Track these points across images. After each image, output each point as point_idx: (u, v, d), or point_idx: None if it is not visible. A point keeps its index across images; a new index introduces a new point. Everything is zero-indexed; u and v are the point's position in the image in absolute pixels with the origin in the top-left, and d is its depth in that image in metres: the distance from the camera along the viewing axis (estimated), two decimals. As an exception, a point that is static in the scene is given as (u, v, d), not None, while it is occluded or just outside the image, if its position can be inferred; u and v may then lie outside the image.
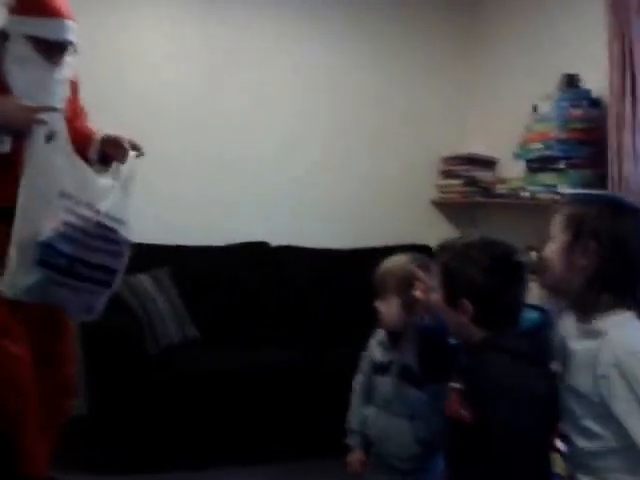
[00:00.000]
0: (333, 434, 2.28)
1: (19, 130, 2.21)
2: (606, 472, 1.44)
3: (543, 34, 3.71)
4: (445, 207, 4.38)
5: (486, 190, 4.05)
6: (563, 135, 3.19)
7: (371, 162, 4.24)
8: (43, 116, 2.20)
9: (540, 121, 3.36)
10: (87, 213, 2.24)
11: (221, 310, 3.63)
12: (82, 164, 2.29)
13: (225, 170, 3.98)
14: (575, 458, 1.52)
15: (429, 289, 1.71)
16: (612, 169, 3.02)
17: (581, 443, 1.47)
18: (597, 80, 3.13)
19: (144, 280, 3.32)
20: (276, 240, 3.96)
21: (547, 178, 3.33)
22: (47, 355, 2.44)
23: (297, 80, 4.13)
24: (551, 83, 3.32)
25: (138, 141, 2.43)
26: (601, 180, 3.12)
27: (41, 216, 2.21)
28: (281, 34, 4.07)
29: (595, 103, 3.19)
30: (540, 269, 1.61)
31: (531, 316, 1.65)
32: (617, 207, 1.52)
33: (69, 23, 2.28)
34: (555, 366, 1.58)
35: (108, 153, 2.40)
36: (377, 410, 2.10)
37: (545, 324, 1.65)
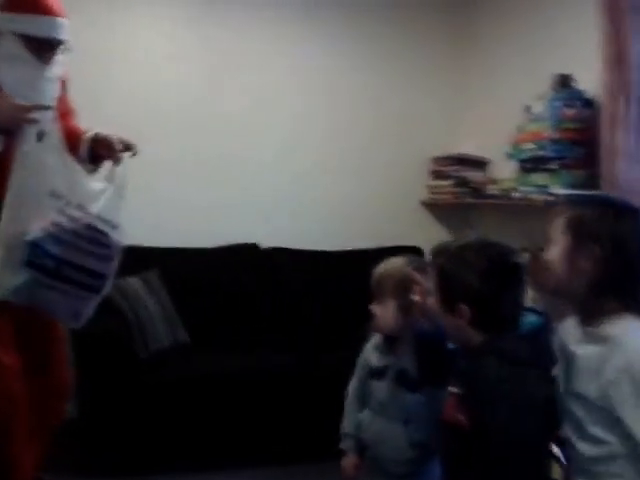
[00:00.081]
0: (327, 437, 2.25)
1: (10, 129, 2.17)
2: (608, 477, 1.42)
3: (536, 34, 3.69)
4: (436, 208, 4.36)
5: (477, 191, 4.03)
6: (556, 135, 3.17)
7: (362, 163, 4.22)
8: (35, 115, 2.16)
9: (533, 121, 3.35)
10: (78, 214, 2.19)
11: (212, 313, 3.60)
12: (74, 164, 2.24)
13: (217, 172, 3.96)
14: (576, 463, 1.50)
15: (426, 293, 1.68)
16: (605, 169, 3.00)
17: (583, 448, 1.45)
18: (590, 80, 3.12)
19: (134, 283, 3.29)
20: (266, 242, 3.94)
21: (539, 178, 3.32)
22: (39, 358, 2.39)
23: (292, 82, 4.11)
24: (544, 83, 3.30)
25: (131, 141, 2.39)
26: (593, 180, 3.10)
27: (30, 215, 2.17)
28: (278, 36, 4.06)
29: (588, 103, 3.18)
30: (534, 271, 1.59)
31: (530, 319, 1.62)
32: (617, 208, 1.51)
33: (61, 21, 2.23)
34: (555, 370, 1.56)
35: (98, 153, 2.36)
36: (372, 414, 2.08)
37: (545, 327, 1.62)
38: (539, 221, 3.43)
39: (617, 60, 2.88)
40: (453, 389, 1.62)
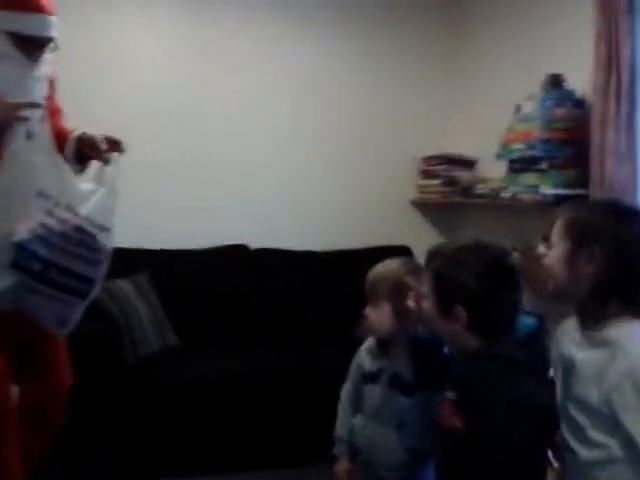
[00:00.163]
0: (320, 439, 2.24)
1: (0, 127, 2.11)
2: (607, 481, 1.41)
3: (528, 35, 3.68)
4: (425, 207, 4.35)
5: (466, 190, 4.02)
6: (546, 135, 3.16)
7: (352, 163, 4.21)
8: (25, 113, 2.11)
9: (523, 121, 3.34)
10: (67, 216, 2.12)
11: (202, 315, 3.58)
12: (64, 164, 2.18)
13: (206, 173, 3.93)
14: (575, 467, 1.49)
15: (421, 297, 1.66)
16: (595, 169, 3.00)
17: (582, 452, 1.44)
18: (581, 80, 3.11)
19: (124, 285, 3.25)
20: (256, 242, 3.91)
21: (529, 178, 3.31)
22: (33, 359, 2.31)
23: (283, 82, 4.09)
24: (535, 83, 3.29)
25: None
26: (583, 180, 3.10)
27: (17, 216, 2.10)
28: (270, 36, 4.04)
29: (579, 103, 3.17)
30: (527, 270, 1.57)
31: (527, 323, 1.60)
32: (618, 211, 1.50)
33: (51, 19, 2.18)
34: (552, 374, 1.55)
35: (85, 153, 2.31)
36: (365, 418, 2.06)
37: (541, 331, 1.61)
38: (529, 221, 3.49)
39: (609, 60, 2.87)
40: (449, 394, 1.60)
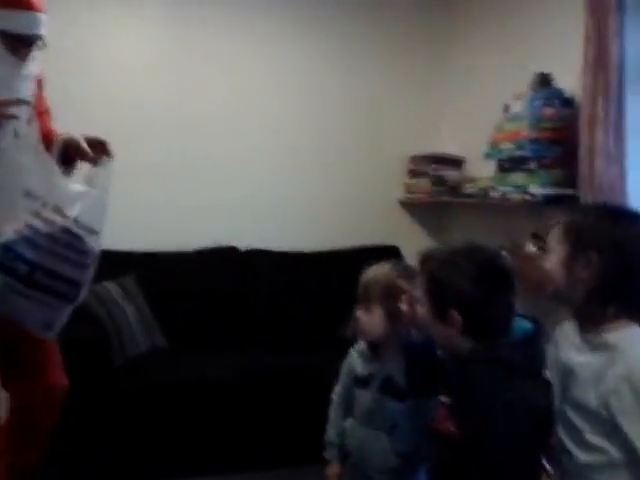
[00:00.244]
0: (311, 440, 2.22)
1: None
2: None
3: (516, 34, 3.68)
4: (413, 207, 4.34)
5: (454, 189, 4.01)
6: (534, 135, 3.15)
7: (340, 163, 4.19)
8: (14, 110, 2.06)
9: (511, 120, 3.33)
10: (54, 217, 2.07)
11: (191, 317, 3.55)
12: (53, 165, 2.12)
13: (193, 174, 3.90)
14: (573, 471, 1.48)
15: (415, 301, 1.64)
16: (583, 169, 2.99)
17: (581, 456, 1.44)
18: (570, 80, 3.11)
19: (111, 288, 3.22)
20: (245, 244, 3.88)
21: (518, 178, 3.30)
22: (20, 364, 2.26)
23: (270, 82, 4.06)
24: (523, 82, 3.28)
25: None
26: (572, 180, 3.09)
27: (3, 216, 2.06)
28: (257, 36, 4.01)
29: (567, 102, 3.16)
30: (519, 267, 1.56)
31: (523, 326, 1.59)
32: (615, 214, 1.49)
33: (40, 16, 2.13)
34: (549, 378, 1.54)
35: (71, 156, 2.26)
36: (356, 422, 2.04)
37: (538, 334, 1.59)
38: (517, 220, 3.48)
39: (598, 60, 2.87)
40: (444, 398, 1.58)
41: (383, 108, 4.25)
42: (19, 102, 2.09)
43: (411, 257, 3.80)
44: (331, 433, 2.11)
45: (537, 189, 3.14)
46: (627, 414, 1.35)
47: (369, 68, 4.23)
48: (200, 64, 3.93)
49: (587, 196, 2.93)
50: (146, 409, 3.01)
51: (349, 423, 2.06)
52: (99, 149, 2.23)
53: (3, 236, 2.04)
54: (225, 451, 3.12)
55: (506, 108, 3.38)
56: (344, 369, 2.12)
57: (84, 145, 2.21)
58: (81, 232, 2.10)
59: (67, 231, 2.09)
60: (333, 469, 2.10)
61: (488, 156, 3.52)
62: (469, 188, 3.81)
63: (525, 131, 3.19)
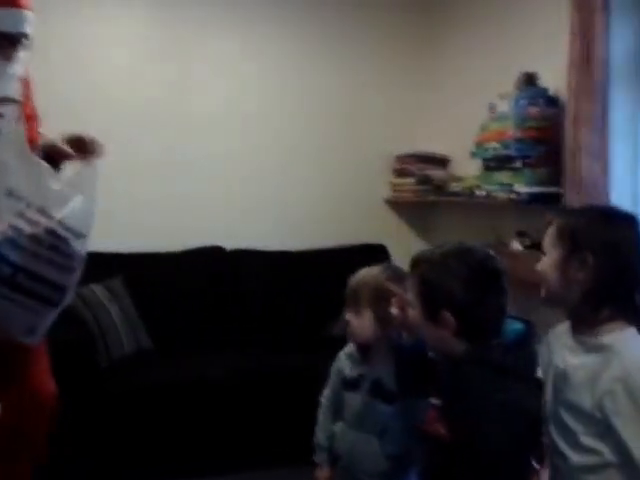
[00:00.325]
0: (300, 441, 2.21)
1: None
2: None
3: (502, 33, 3.68)
4: (399, 206, 4.34)
5: (439, 188, 4.02)
6: (519, 134, 3.16)
7: (326, 162, 4.17)
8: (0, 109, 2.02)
9: (497, 120, 3.34)
10: (39, 218, 2.02)
11: (178, 318, 3.53)
12: (40, 166, 2.08)
13: (179, 175, 3.87)
14: (565, 472, 1.48)
15: (406, 304, 1.63)
16: (568, 167, 3.00)
17: (574, 457, 1.43)
18: (555, 78, 3.12)
19: (97, 290, 3.18)
20: (231, 244, 3.86)
21: (503, 177, 3.31)
22: (7, 369, 2.21)
23: (256, 82, 4.05)
24: (509, 82, 3.28)
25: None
26: (557, 178, 3.10)
27: None
28: (244, 36, 4.00)
29: (552, 101, 3.17)
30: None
31: (515, 327, 1.59)
32: (608, 216, 1.49)
33: (27, 14, 2.08)
34: (541, 376, 1.54)
35: (55, 159, 2.22)
36: (346, 426, 2.03)
37: (530, 336, 1.59)
38: (503, 219, 3.49)
39: (583, 59, 2.87)
40: (434, 400, 1.58)
41: (368, 107, 4.24)
42: (4, 100, 2.05)
43: (398, 255, 3.84)
44: (320, 436, 2.10)
45: (522, 187, 3.15)
46: (621, 415, 1.35)
47: (355, 68, 4.22)
48: (195, 64, 3.91)
49: (571, 194, 2.95)
50: (132, 411, 2.99)
51: (339, 427, 2.05)
52: (84, 147, 2.18)
53: None
54: (211, 453, 3.10)
55: (491, 107, 3.38)
56: (333, 371, 2.11)
57: (60, 146, 2.16)
58: (67, 234, 2.05)
59: (52, 233, 2.04)
60: (323, 472, 2.08)
61: (474, 155, 3.52)
62: (455, 187, 3.82)
63: (510, 130, 3.20)
